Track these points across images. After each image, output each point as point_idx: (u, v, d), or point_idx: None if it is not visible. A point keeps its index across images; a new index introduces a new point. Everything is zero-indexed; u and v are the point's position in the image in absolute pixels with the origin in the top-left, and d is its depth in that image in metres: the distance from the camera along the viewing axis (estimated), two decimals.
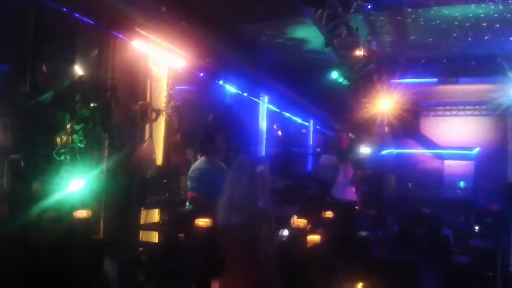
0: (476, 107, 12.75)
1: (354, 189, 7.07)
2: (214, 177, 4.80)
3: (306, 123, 12.63)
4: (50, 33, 4.35)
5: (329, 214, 5.93)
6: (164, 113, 6.03)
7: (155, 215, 6.01)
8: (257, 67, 7.81)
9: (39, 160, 3.98)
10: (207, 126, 7.03)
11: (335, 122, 12.59)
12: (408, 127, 11.74)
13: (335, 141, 7.42)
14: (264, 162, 3.17)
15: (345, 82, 7.77)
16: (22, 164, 3.95)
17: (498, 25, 6.79)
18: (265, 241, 2.90)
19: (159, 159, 6.02)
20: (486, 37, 7.33)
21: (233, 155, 6.30)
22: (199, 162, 5.24)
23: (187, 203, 5.16)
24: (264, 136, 9.60)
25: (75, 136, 4.12)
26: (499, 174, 11.59)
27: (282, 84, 8.93)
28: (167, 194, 6.06)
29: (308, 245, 4.79)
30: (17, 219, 3.93)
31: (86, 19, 4.73)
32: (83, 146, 4.17)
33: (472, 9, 6.34)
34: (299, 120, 12.12)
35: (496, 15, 6.45)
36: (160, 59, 5.96)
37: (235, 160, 3.20)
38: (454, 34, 7.28)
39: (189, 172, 5.13)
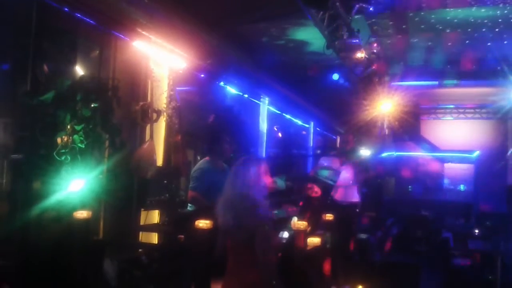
0: (477, 110, 12.76)
1: (356, 191, 7.05)
2: (215, 177, 4.81)
3: (307, 125, 12.63)
4: (51, 33, 4.35)
5: (329, 216, 5.93)
6: (165, 114, 6.02)
7: (155, 216, 6.00)
8: (258, 69, 7.80)
9: (39, 160, 3.97)
10: (208, 127, 7.03)
11: (336, 124, 12.59)
12: (408, 129, 11.74)
13: (338, 143, 7.41)
14: (264, 164, 3.18)
15: (346, 84, 7.77)
16: (22, 164, 3.95)
17: (499, 28, 6.79)
18: (264, 241, 2.90)
19: (159, 160, 6.01)
20: (487, 40, 7.33)
21: (233, 156, 6.30)
22: (202, 162, 5.28)
23: (188, 203, 5.18)
24: (265, 137, 9.59)
25: (75, 136, 4.11)
26: (499, 177, 11.57)
27: (282, 85, 8.92)
28: (167, 195, 6.05)
29: (308, 247, 4.79)
30: (17, 219, 3.92)
31: (87, 19, 4.73)
32: (83, 146, 4.16)
33: (473, 13, 6.34)
34: (300, 122, 12.11)
35: (497, 19, 6.46)
36: (161, 59, 5.95)
37: (236, 161, 3.21)
38: (455, 37, 7.28)
39: (192, 172, 5.17)
